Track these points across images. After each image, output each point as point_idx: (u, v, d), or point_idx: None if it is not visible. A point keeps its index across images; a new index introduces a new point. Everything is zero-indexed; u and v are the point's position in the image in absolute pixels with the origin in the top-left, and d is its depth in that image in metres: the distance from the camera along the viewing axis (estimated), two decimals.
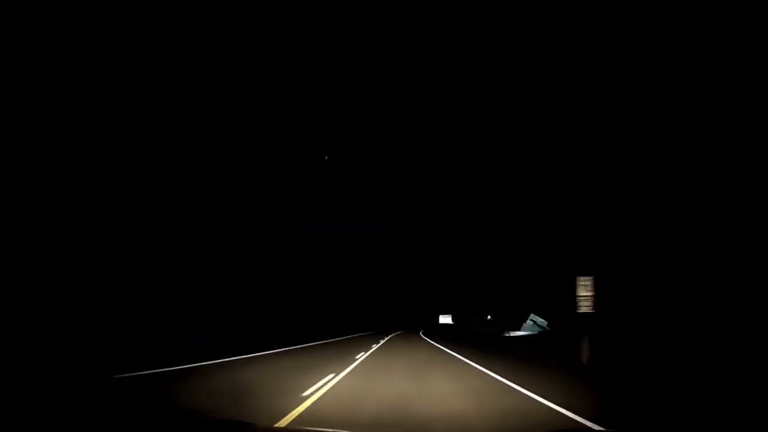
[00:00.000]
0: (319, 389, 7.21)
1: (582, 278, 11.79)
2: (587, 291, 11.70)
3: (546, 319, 28.91)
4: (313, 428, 4.89)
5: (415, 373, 9.75)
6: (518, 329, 30.03)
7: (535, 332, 27.70)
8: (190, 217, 24.92)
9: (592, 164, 21.10)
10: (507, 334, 28.76)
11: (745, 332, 12.25)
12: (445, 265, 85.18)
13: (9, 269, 13.99)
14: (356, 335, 34.09)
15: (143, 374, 8.28)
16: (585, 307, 11.65)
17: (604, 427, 4.85)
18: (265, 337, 21.58)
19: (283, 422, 4.96)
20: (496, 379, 8.93)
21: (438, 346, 21.11)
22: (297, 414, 5.35)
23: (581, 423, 5.16)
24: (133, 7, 18.48)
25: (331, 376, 8.76)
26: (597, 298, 11.80)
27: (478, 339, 26.40)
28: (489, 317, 46.22)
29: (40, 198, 15.92)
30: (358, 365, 11.28)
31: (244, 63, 27.73)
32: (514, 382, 8.15)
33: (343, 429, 4.76)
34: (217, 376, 8.63)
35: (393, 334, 37.93)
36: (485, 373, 9.95)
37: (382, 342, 24.34)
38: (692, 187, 15.60)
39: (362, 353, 15.35)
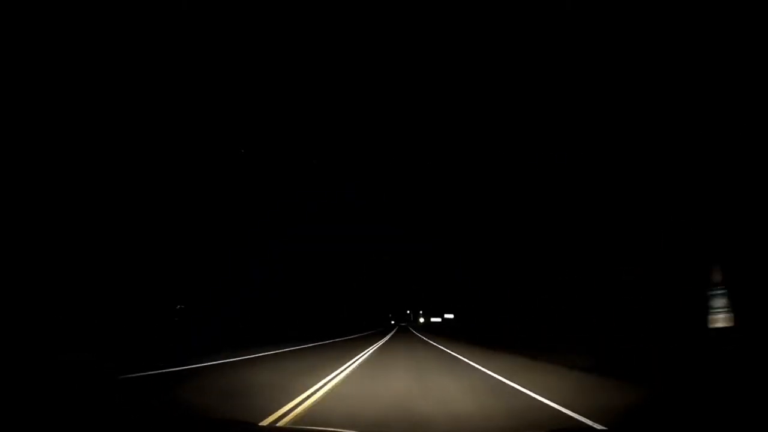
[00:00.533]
0: None
1: None
2: None
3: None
4: (313, 428, 4.89)
5: None
6: None
7: None
8: (190, 218, 24.92)
9: (592, 164, 21.09)
10: None
11: (745, 332, 12.25)
12: (445, 265, 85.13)
13: (9, 269, 13.99)
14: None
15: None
16: None
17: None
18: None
19: None
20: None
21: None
22: None
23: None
24: (132, 8, 18.48)
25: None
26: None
27: None
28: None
29: (41, 198, 15.92)
30: None
31: (244, 64, 27.73)
32: None
33: (343, 429, 4.75)
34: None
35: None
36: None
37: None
38: (692, 187, 15.59)
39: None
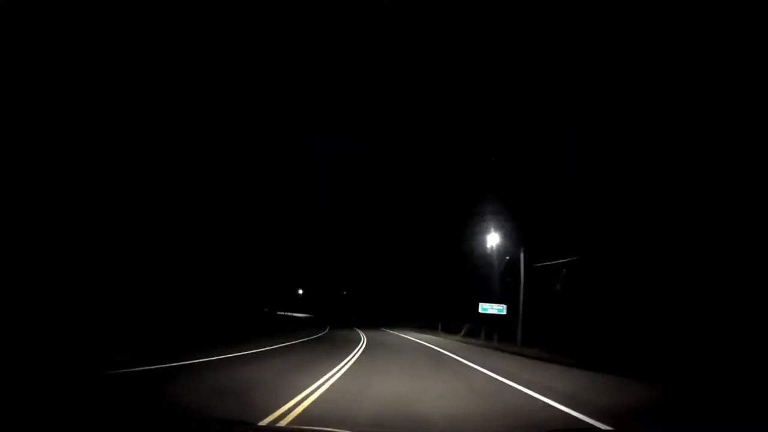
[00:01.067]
0: None
1: None
2: None
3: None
4: (314, 428, 4.87)
5: None
6: None
7: None
8: (190, 218, 24.94)
9: (592, 164, 21.10)
10: None
11: (745, 332, 12.23)
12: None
13: (9, 269, 14.00)
14: None
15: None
16: None
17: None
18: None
19: None
20: None
21: None
22: None
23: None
24: (132, 8, 18.49)
25: None
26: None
27: None
28: None
29: (42, 198, 15.93)
30: None
31: (245, 64, 27.78)
32: None
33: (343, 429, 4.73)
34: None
35: None
36: None
37: None
38: (692, 187, 15.58)
39: None
